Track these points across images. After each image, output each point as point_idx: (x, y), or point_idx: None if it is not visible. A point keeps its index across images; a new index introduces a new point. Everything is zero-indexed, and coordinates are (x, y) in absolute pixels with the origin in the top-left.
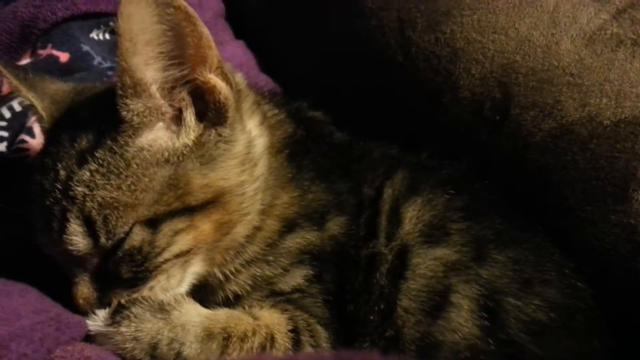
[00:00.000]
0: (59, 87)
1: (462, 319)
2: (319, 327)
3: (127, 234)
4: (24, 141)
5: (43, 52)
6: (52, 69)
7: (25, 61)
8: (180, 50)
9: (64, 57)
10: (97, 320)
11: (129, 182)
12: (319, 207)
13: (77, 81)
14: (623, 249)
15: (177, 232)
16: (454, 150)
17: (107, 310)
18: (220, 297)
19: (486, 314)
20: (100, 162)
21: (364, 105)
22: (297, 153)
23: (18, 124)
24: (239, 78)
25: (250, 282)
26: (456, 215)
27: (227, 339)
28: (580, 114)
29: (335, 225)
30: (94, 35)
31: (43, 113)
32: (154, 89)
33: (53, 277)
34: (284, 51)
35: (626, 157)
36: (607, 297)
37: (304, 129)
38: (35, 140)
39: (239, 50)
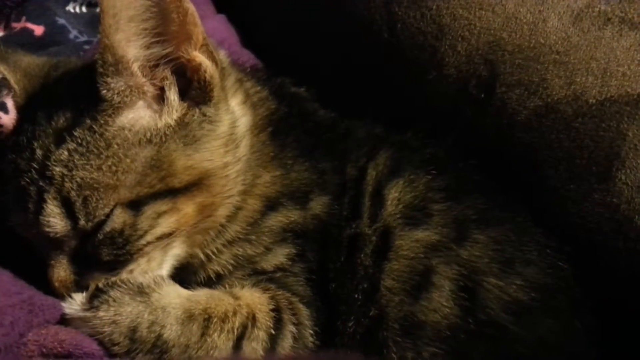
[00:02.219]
0: (32, 61)
1: (443, 299)
2: (301, 306)
3: (108, 216)
4: None
5: (17, 25)
6: (26, 42)
7: None
8: (164, 27)
9: (38, 30)
10: (74, 305)
11: (109, 163)
12: (302, 187)
13: (52, 55)
14: (606, 228)
15: (160, 215)
16: (439, 128)
17: (84, 294)
18: (201, 277)
19: (466, 294)
20: (79, 141)
21: (348, 83)
22: (280, 131)
23: None
24: (222, 55)
25: (232, 261)
26: (438, 195)
27: (207, 319)
28: (565, 92)
29: (318, 205)
30: (70, 8)
31: (16, 86)
32: (135, 67)
33: (27, 258)
34: (266, 26)
35: (611, 136)
36: (589, 276)
37: (287, 106)
38: (9, 116)
39: (220, 25)
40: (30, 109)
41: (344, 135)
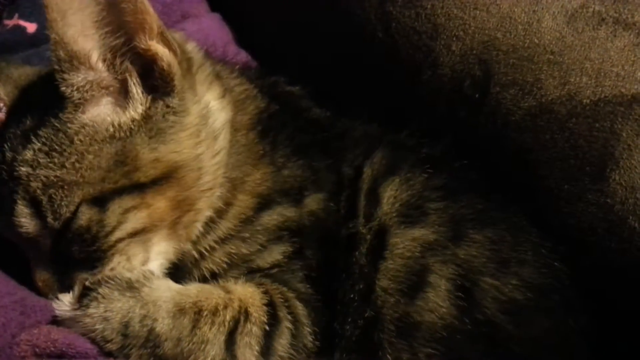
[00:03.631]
0: (24, 72)
1: (439, 299)
2: (297, 303)
3: (74, 213)
4: None
5: (9, 23)
6: (19, 39)
7: None
8: (116, 17)
9: (31, 27)
10: (63, 305)
11: (72, 160)
12: (296, 184)
13: (44, 53)
14: (600, 228)
15: (127, 210)
16: (434, 128)
17: (72, 294)
18: (197, 277)
19: (462, 294)
20: (44, 140)
21: (343, 82)
22: (270, 128)
23: None
24: (191, 47)
25: (226, 259)
26: (434, 194)
27: (198, 313)
28: (560, 92)
29: (313, 202)
30: None
31: (5, 98)
32: (93, 60)
33: (18, 259)
34: (260, 25)
35: (604, 136)
36: (584, 276)
37: (279, 104)
38: (2, 113)
39: (214, 23)
40: (10, 115)
41: (339, 134)
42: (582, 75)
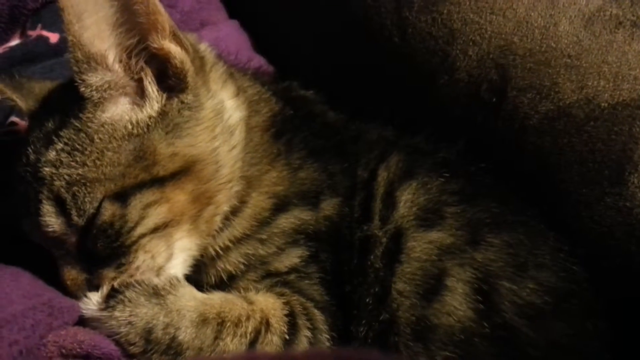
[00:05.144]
0: (44, 86)
1: (456, 302)
2: (315, 311)
3: (97, 209)
4: (14, 123)
5: (33, 33)
6: (42, 49)
7: (14, 42)
8: (130, 19)
9: (54, 37)
10: (90, 305)
11: (93, 158)
12: (312, 187)
13: (67, 62)
14: (618, 232)
15: (148, 205)
16: (451, 132)
17: (99, 293)
18: (213, 278)
19: (481, 297)
20: (66, 141)
21: (359, 87)
22: (285, 131)
23: (8, 106)
24: (203, 47)
25: (243, 261)
26: (451, 198)
27: (221, 324)
28: (577, 96)
29: (329, 206)
30: None
31: (27, 112)
32: (109, 61)
33: (47, 260)
34: (277, 31)
35: (623, 139)
36: (602, 279)
37: (293, 108)
38: (25, 122)
39: (233, 30)
40: (32, 122)
41: (354, 138)
42: (600, 79)
